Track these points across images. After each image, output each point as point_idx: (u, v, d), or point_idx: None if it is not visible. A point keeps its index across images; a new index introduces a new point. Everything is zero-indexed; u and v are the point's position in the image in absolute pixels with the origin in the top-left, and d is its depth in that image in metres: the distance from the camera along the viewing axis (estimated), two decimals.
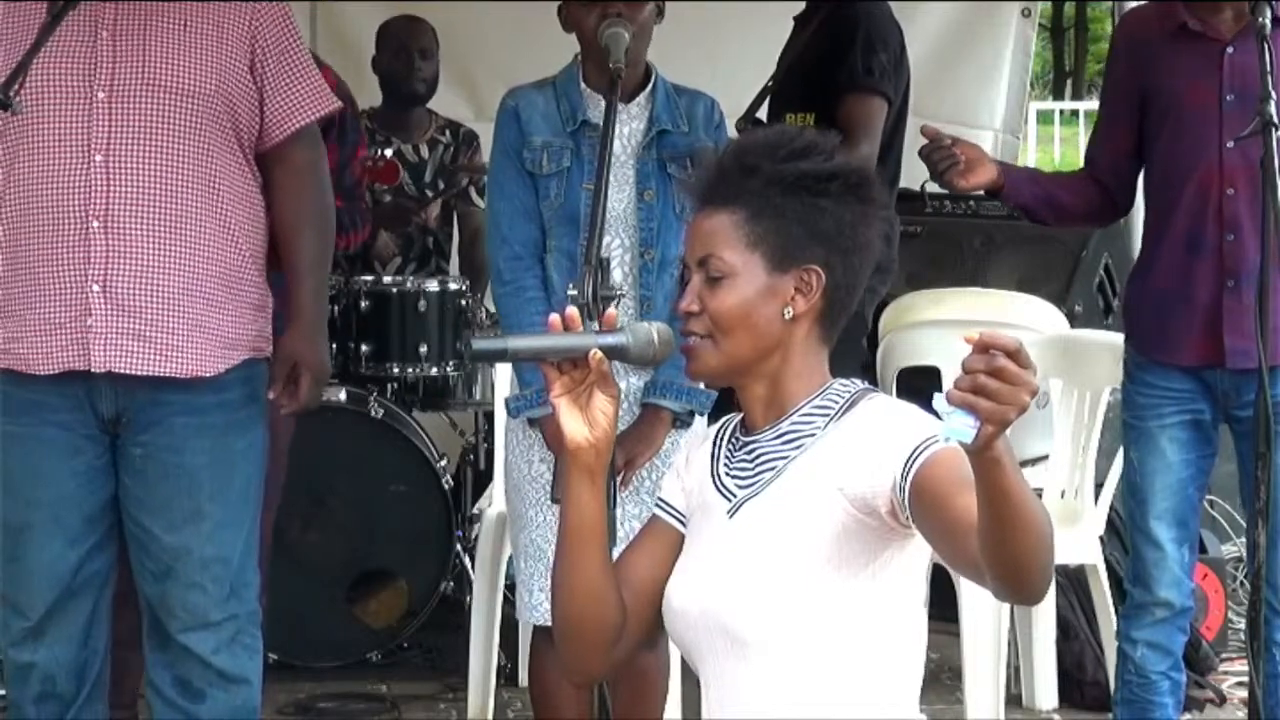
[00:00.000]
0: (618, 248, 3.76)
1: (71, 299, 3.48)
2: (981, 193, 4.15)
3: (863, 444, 2.31)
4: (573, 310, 2.39)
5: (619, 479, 3.63)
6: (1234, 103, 3.77)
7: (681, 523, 2.49)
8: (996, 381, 1.94)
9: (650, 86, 3.84)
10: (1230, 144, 3.73)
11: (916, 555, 2.35)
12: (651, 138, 3.79)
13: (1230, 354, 3.80)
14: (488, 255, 3.86)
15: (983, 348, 1.95)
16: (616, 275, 3.71)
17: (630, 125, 3.80)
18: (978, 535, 2.07)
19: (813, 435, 2.37)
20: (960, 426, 1.95)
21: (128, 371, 3.48)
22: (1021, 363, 1.95)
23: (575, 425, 2.37)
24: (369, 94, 6.01)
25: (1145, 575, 3.97)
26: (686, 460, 2.54)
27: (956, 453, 2.05)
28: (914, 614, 2.37)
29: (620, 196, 3.76)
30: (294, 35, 3.67)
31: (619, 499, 3.62)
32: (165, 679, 3.61)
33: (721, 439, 2.50)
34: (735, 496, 2.41)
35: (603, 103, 3.73)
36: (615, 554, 2.51)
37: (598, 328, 2.44)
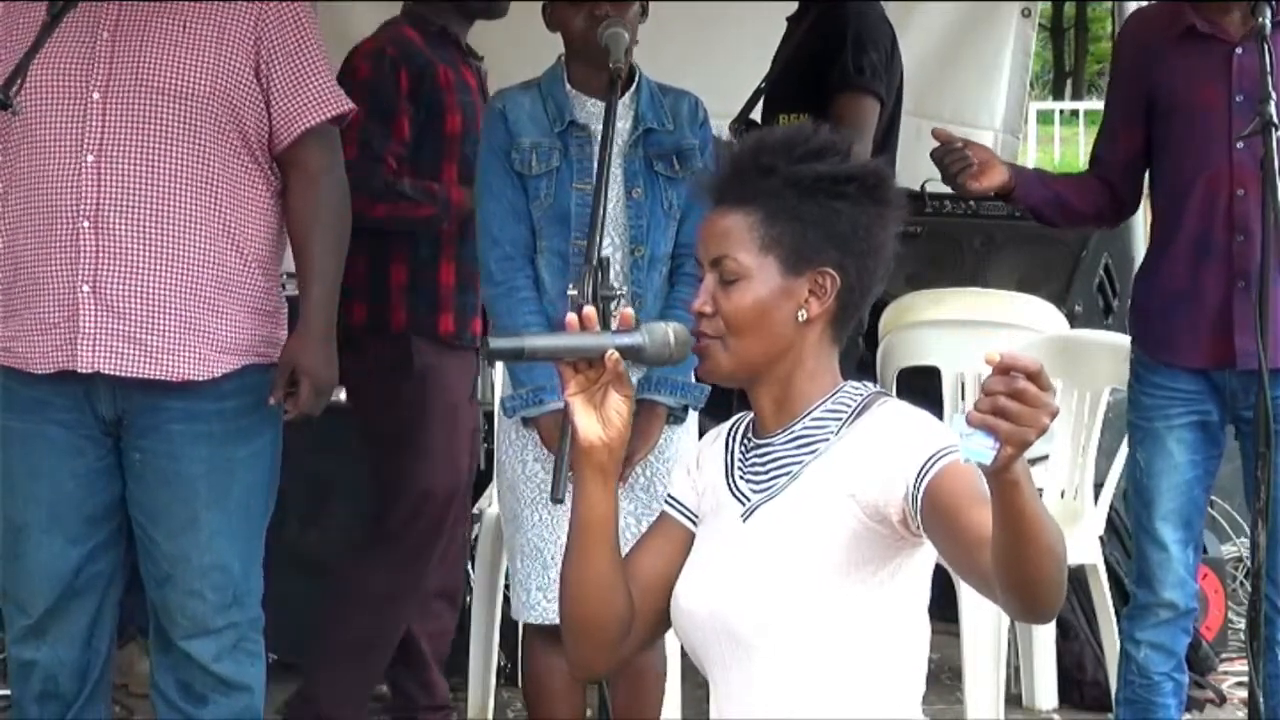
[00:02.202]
0: (608, 246, 3.75)
1: (63, 299, 3.48)
2: (990, 194, 4.13)
3: (876, 451, 2.31)
4: (590, 310, 2.39)
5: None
6: (1243, 104, 3.75)
7: (691, 521, 2.49)
8: (1017, 404, 1.94)
9: (635, 86, 3.84)
10: (1240, 145, 3.73)
11: (924, 562, 2.35)
12: (638, 136, 3.80)
13: (1241, 355, 3.79)
14: (479, 256, 3.86)
15: (1003, 369, 1.95)
16: (609, 274, 3.72)
17: (617, 124, 3.79)
18: (992, 553, 2.07)
19: (826, 440, 2.37)
20: (979, 447, 1.95)
21: (115, 373, 3.48)
22: (1042, 385, 1.95)
23: (589, 424, 2.37)
24: None
25: (1150, 576, 3.97)
26: (698, 459, 2.54)
27: (970, 465, 2.05)
28: (918, 619, 2.38)
29: (609, 196, 3.75)
30: (305, 35, 3.62)
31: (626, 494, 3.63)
32: (169, 683, 3.61)
33: (734, 439, 2.50)
34: (749, 500, 2.41)
35: (589, 102, 3.77)
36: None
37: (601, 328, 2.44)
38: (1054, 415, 1.95)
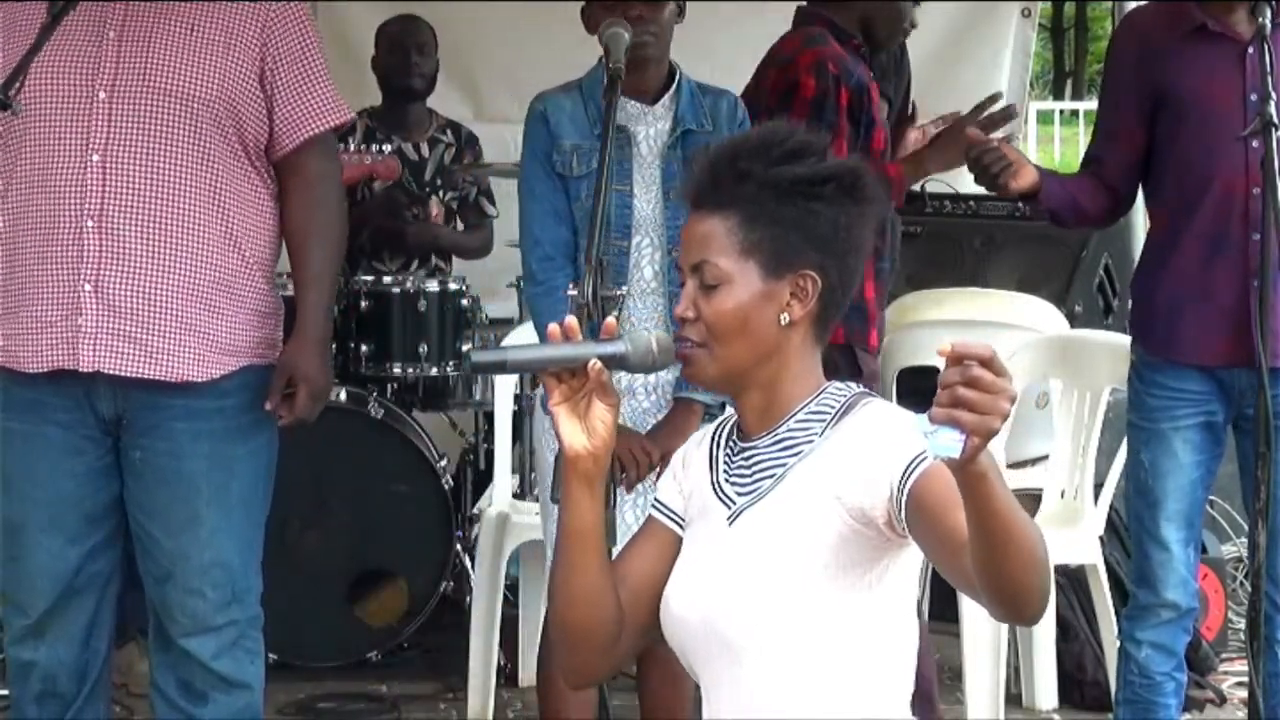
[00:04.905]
0: (647, 247, 3.78)
1: (64, 298, 3.47)
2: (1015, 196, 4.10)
3: (860, 454, 2.30)
4: (571, 320, 2.38)
5: (655, 472, 3.62)
6: (1257, 103, 3.74)
7: (679, 525, 2.49)
8: (975, 392, 1.93)
9: (675, 86, 3.84)
10: (1255, 144, 3.72)
11: (911, 563, 2.34)
12: (676, 138, 3.80)
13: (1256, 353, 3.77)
14: (521, 256, 3.88)
15: (956, 360, 1.94)
16: (647, 273, 3.77)
17: (656, 126, 3.82)
18: (970, 553, 2.06)
19: (810, 441, 2.37)
20: (947, 442, 1.94)
21: (115, 372, 3.47)
22: (996, 370, 1.93)
23: (574, 434, 2.37)
24: (369, 94, 6.01)
25: (1151, 577, 3.96)
26: (683, 462, 2.53)
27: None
28: (907, 619, 2.37)
29: (648, 197, 3.78)
30: (309, 42, 3.63)
31: (644, 489, 3.63)
32: (168, 681, 3.61)
33: (719, 442, 2.49)
34: (735, 504, 2.41)
35: (629, 104, 3.78)
36: (616, 552, 2.52)
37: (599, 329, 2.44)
38: (1013, 400, 1.93)
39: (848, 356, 4.22)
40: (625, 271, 3.75)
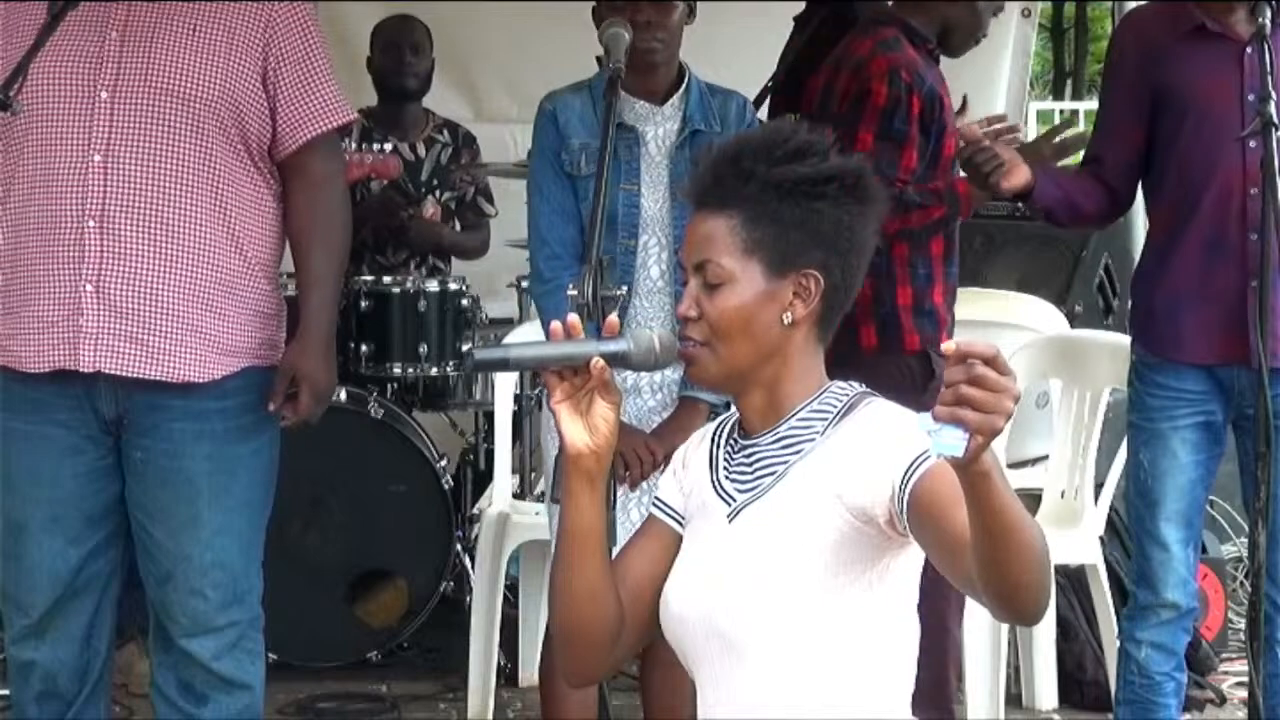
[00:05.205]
0: (654, 246, 3.79)
1: (65, 298, 3.47)
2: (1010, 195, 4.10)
3: (861, 452, 2.30)
4: (574, 318, 2.39)
5: (658, 471, 3.63)
6: (1256, 103, 3.75)
7: (679, 523, 2.49)
8: (979, 391, 1.92)
9: (684, 87, 3.85)
10: (1253, 144, 3.73)
11: (912, 561, 2.34)
12: (685, 138, 3.82)
13: (1255, 353, 3.78)
14: (529, 255, 3.88)
15: (960, 358, 1.94)
16: (654, 273, 3.79)
17: (664, 126, 3.83)
18: (971, 552, 2.06)
19: (811, 440, 2.36)
20: (950, 441, 1.93)
21: (116, 373, 3.47)
22: (1000, 369, 1.93)
23: (576, 432, 2.37)
24: (366, 94, 6.01)
25: (1151, 577, 3.97)
26: (684, 460, 2.53)
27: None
28: (908, 618, 2.37)
29: (655, 197, 3.80)
30: (312, 41, 3.62)
31: (648, 487, 3.63)
32: (169, 681, 3.61)
33: (719, 440, 2.49)
34: (735, 501, 2.41)
35: (637, 104, 3.81)
36: (616, 552, 2.53)
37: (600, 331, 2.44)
38: (1017, 398, 1.93)
39: (923, 362, 4.21)
40: (632, 270, 3.76)
